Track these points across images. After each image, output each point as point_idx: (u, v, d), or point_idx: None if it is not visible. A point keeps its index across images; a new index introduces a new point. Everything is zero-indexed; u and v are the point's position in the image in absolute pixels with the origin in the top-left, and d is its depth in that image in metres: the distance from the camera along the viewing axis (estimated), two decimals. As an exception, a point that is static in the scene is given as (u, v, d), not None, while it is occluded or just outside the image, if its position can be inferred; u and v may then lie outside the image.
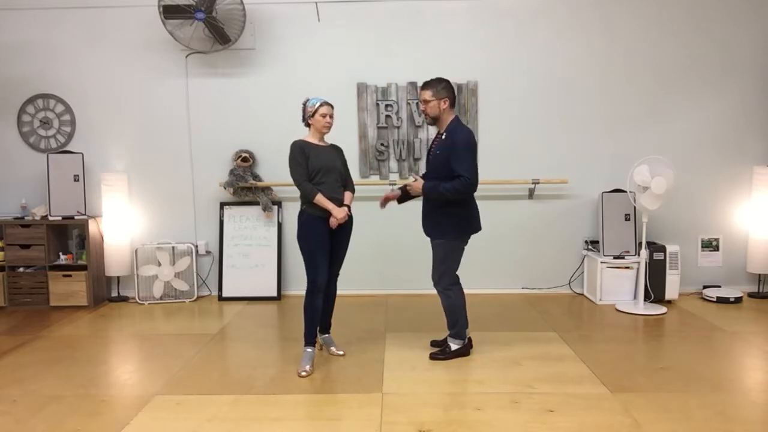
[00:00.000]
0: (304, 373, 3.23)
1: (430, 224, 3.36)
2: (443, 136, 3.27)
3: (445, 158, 3.21)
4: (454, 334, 3.47)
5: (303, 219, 3.32)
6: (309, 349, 3.35)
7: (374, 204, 5.00)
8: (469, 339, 3.54)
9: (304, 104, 3.36)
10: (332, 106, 3.37)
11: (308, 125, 3.38)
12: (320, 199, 3.26)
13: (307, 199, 3.30)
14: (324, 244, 3.29)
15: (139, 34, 4.96)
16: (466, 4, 4.87)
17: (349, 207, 3.39)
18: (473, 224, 3.36)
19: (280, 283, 5.00)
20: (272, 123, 4.99)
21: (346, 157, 3.57)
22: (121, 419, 2.74)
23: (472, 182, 3.17)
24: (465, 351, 3.50)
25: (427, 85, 3.27)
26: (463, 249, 3.38)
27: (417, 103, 4.90)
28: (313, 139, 3.37)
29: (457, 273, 3.40)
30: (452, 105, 3.29)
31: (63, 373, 3.35)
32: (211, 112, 5.02)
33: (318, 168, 3.29)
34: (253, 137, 5.02)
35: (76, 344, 3.87)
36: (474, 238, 4.98)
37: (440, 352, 3.49)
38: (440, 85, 3.25)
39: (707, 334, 3.86)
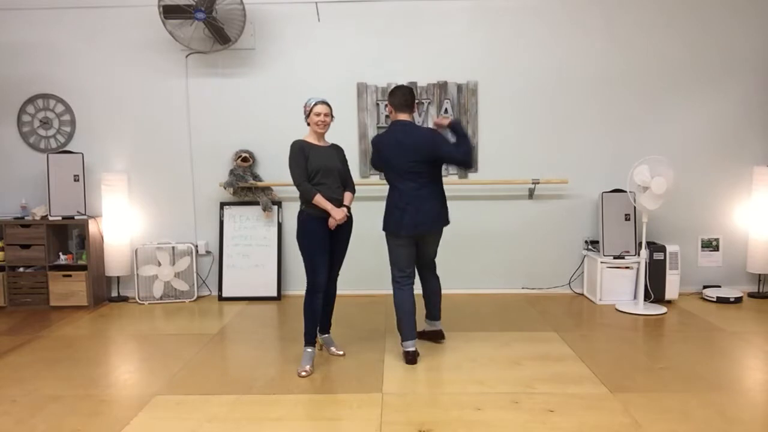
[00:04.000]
0: (304, 373, 3.23)
1: (444, 213, 3.46)
2: None
3: None
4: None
5: (302, 219, 3.32)
6: (309, 349, 3.35)
7: (374, 204, 5.00)
8: (414, 352, 3.39)
9: (305, 104, 3.37)
10: (328, 106, 3.34)
11: (309, 124, 3.38)
12: (319, 200, 3.26)
13: (306, 200, 3.30)
14: (323, 244, 3.29)
15: (139, 34, 4.96)
16: (466, 4, 4.87)
17: (348, 207, 3.39)
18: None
19: (280, 283, 5.00)
20: (272, 123, 4.99)
21: (347, 157, 3.57)
22: (121, 419, 2.74)
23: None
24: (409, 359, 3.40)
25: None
26: (394, 245, 3.45)
27: (417, 104, 4.90)
28: (312, 139, 3.37)
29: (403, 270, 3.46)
30: (398, 110, 3.38)
31: (63, 373, 3.35)
32: (211, 112, 5.02)
33: (317, 169, 3.28)
34: (253, 137, 5.02)
35: (76, 344, 3.87)
36: (474, 238, 5.02)
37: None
38: (390, 93, 3.39)
39: (707, 334, 3.86)
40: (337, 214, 3.27)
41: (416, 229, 3.33)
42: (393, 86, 3.41)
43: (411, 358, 3.36)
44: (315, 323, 3.35)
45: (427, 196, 3.35)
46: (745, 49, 4.85)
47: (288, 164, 3.31)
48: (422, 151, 3.30)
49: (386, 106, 3.38)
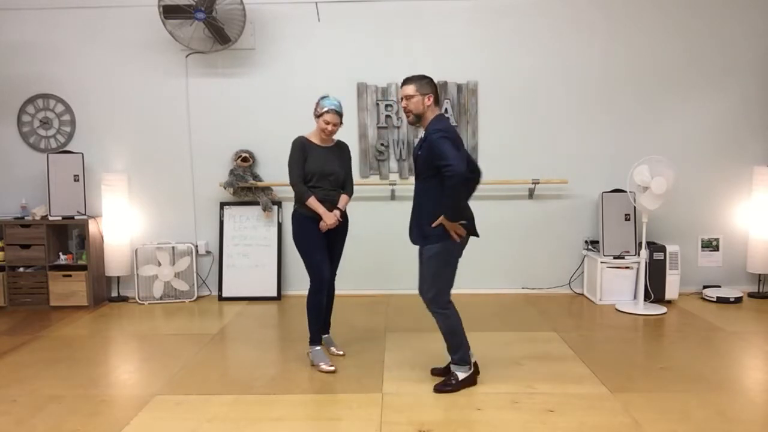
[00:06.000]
0: (332, 368, 3.26)
1: (417, 230, 2.96)
2: (424, 136, 2.94)
3: (426, 157, 2.87)
4: (458, 359, 3.02)
5: (297, 219, 3.31)
6: (318, 348, 3.35)
7: (374, 204, 5.00)
8: (475, 364, 3.10)
9: (319, 100, 3.29)
10: (340, 115, 3.27)
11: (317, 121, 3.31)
12: (312, 203, 3.23)
13: (299, 200, 3.28)
14: (321, 242, 3.28)
15: (139, 34, 4.96)
16: (466, 4, 4.87)
17: (343, 211, 3.37)
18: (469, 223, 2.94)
19: (280, 283, 5.00)
20: (272, 123, 4.99)
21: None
22: (121, 419, 2.74)
23: (457, 167, 2.70)
24: (472, 380, 3.06)
25: (409, 80, 2.96)
26: (455, 257, 2.95)
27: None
28: (316, 138, 3.33)
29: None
30: (436, 102, 2.96)
31: (63, 373, 3.35)
32: (211, 112, 5.02)
33: (314, 171, 3.25)
34: (253, 137, 5.02)
35: (76, 344, 3.87)
36: (474, 238, 5.01)
37: (446, 383, 3.03)
38: (423, 81, 2.94)
39: (707, 334, 3.86)
40: (329, 220, 3.25)
41: (473, 232, 3.00)
42: (414, 75, 3.02)
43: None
44: (320, 321, 3.37)
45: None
46: (745, 50, 4.85)
47: (288, 161, 3.29)
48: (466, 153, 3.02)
49: (428, 96, 2.90)
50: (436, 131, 2.83)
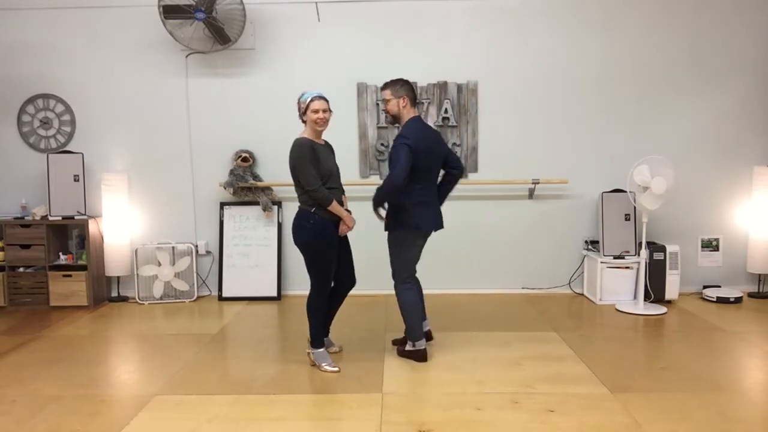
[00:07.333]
0: (337, 368, 3.28)
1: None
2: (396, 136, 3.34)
3: (390, 157, 3.27)
4: (407, 332, 3.48)
5: (316, 222, 3.16)
6: (321, 349, 3.35)
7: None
8: (424, 351, 3.43)
9: (298, 100, 3.22)
10: (326, 100, 3.19)
11: (305, 122, 3.22)
12: (336, 207, 3.16)
13: (318, 204, 3.15)
14: (336, 247, 3.26)
15: (139, 34, 4.96)
16: (466, 4, 4.87)
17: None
18: (423, 221, 3.31)
19: (280, 283, 5.00)
20: (272, 123, 4.99)
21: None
22: (121, 419, 2.74)
23: (396, 178, 3.12)
24: (416, 356, 3.44)
25: (386, 85, 3.33)
26: (415, 244, 3.36)
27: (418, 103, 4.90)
28: (314, 138, 3.22)
29: (411, 271, 3.43)
30: (412, 104, 3.33)
31: (63, 373, 3.35)
32: (211, 112, 5.02)
33: (329, 173, 3.19)
34: (253, 137, 5.02)
35: (76, 344, 3.87)
36: (474, 239, 5.02)
37: (400, 346, 3.55)
38: (397, 85, 3.31)
39: (707, 334, 3.86)
40: (351, 222, 3.25)
41: (438, 226, 3.40)
42: (392, 79, 3.38)
43: (425, 354, 3.43)
44: (326, 325, 3.44)
45: (434, 195, 3.43)
46: (746, 49, 4.85)
47: (295, 165, 3.11)
48: (444, 150, 3.41)
49: (402, 99, 3.28)
50: (400, 137, 3.20)
